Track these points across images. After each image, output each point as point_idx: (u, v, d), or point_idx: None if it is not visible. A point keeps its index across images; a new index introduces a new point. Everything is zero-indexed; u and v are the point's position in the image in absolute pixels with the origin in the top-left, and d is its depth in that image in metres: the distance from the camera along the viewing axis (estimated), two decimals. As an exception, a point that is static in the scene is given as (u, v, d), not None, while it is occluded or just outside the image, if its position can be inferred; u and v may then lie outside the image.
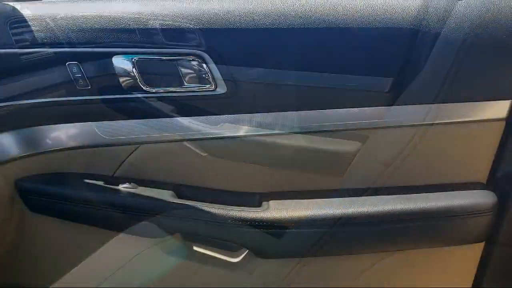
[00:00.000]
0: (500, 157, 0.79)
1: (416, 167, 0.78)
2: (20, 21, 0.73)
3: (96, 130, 0.75)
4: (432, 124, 0.76)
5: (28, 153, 0.73)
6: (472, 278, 0.80)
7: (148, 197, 0.73)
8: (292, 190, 0.77)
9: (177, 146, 0.77)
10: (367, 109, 0.74)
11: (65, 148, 0.75)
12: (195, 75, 0.75)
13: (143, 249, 0.75)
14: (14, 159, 0.72)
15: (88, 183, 0.74)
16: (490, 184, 0.79)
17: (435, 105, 0.75)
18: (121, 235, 0.74)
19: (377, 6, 0.72)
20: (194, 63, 0.74)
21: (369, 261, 0.76)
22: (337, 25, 0.71)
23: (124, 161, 0.78)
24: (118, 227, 0.73)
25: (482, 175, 0.80)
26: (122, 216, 0.72)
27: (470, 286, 0.80)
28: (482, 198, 0.75)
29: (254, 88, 0.74)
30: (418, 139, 0.76)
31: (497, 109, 0.77)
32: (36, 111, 0.72)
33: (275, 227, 0.72)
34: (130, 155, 0.78)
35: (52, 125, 0.74)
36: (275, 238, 0.73)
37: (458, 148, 0.78)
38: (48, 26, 0.74)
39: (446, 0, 0.73)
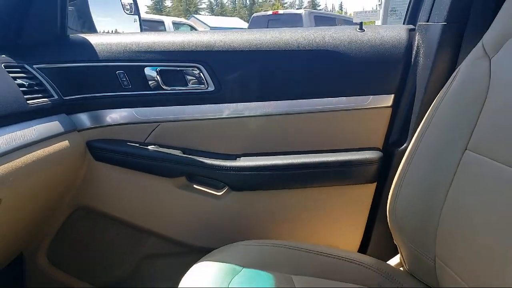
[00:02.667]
0: (389, 131, 1.21)
1: (336, 137, 1.20)
2: (89, 46, 1.18)
3: (134, 113, 1.19)
4: (346, 110, 1.18)
5: (95, 126, 1.17)
6: (368, 210, 1.22)
7: (165, 153, 1.16)
8: (255, 152, 1.20)
9: (183, 124, 1.20)
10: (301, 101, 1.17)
11: (116, 124, 1.18)
12: (195, 79, 1.18)
13: (164, 185, 1.19)
14: (87, 129, 1.16)
15: (130, 144, 1.18)
16: (384, 148, 1.21)
17: (345, 98, 1.17)
18: (151, 176, 1.18)
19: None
20: (195, 71, 1.17)
21: (299, 193, 1.19)
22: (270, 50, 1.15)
23: (150, 133, 1.21)
24: (149, 171, 1.17)
25: (379, 143, 1.22)
26: (151, 163, 1.16)
27: (367, 215, 1.22)
28: (372, 154, 1.17)
29: (231, 87, 1.17)
30: (337, 119, 1.19)
31: (385, 100, 1.19)
32: (100, 101, 1.17)
33: (244, 170, 1.15)
34: (154, 129, 1.21)
35: (108, 109, 1.18)
36: (244, 178, 1.16)
37: (363, 126, 1.20)
38: (105, 49, 1.18)
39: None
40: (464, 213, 0.79)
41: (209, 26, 19.10)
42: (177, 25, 9.80)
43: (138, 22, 1.92)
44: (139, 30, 1.85)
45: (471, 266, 0.75)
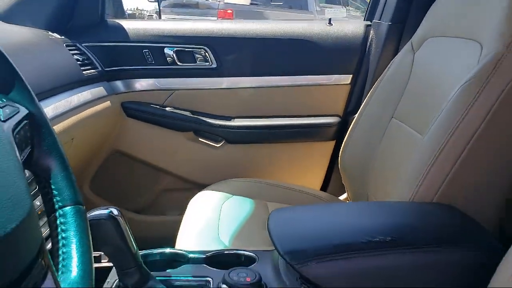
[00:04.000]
0: (347, 103, 1.58)
1: (307, 106, 1.57)
2: (122, 29, 1.53)
3: (156, 83, 1.56)
4: (315, 85, 1.55)
5: (127, 91, 1.54)
6: (328, 160, 1.61)
7: (177, 113, 1.54)
8: (245, 115, 1.58)
9: (191, 92, 1.56)
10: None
11: (142, 90, 1.55)
12: (201, 57, 1.54)
13: (177, 137, 1.57)
14: (121, 93, 1.54)
15: (152, 106, 1.55)
16: (343, 115, 1.58)
17: (314, 76, 1.54)
18: (167, 130, 1.56)
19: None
20: (202, 52, 1.53)
21: (277, 146, 1.58)
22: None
23: (167, 98, 1.57)
24: (165, 126, 1.55)
25: (339, 111, 1.59)
26: (167, 120, 1.54)
27: (327, 164, 1.61)
28: (333, 119, 1.55)
29: (228, 65, 1.53)
30: (308, 92, 1.55)
31: (345, 79, 1.55)
32: (131, 72, 1.53)
33: (237, 128, 1.54)
34: (170, 95, 1.57)
35: (137, 79, 1.55)
36: (237, 134, 1.54)
37: (328, 98, 1.57)
38: (134, 33, 1.53)
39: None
40: (385, 162, 1.17)
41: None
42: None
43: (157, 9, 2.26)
44: (158, 15, 2.19)
45: (384, 194, 1.14)
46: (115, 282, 0.75)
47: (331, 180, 1.62)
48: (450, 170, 0.86)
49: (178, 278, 0.78)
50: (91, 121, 1.33)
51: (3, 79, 0.49)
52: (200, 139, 1.58)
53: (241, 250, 0.87)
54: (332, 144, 1.58)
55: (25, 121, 0.47)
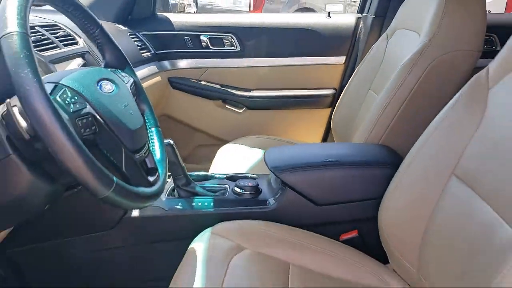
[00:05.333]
0: (342, 78, 1.98)
1: (310, 81, 1.98)
2: (168, 21, 1.98)
3: (194, 62, 2.01)
4: (316, 64, 1.96)
5: (172, 69, 2.00)
6: (326, 123, 2.03)
7: (210, 86, 1.99)
8: (261, 88, 2.01)
9: (220, 70, 2.00)
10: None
11: (183, 68, 2.00)
12: (229, 43, 1.97)
13: (209, 104, 2.02)
14: (168, 70, 1.99)
15: (191, 80, 2.01)
16: (338, 88, 1.99)
17: (316, 57, 1.95)
18: (202, 98, 2.01)
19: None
20: (229, 39, 1.97)
21: (285, 112, 2.01)
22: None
23: (202, 74, 2.02)
24: (201, 95, 2.00)
25: (336, 85, 2.00)
26: (202, 91, 1.99)
27: (325, 125, 2.02)
28: (330, 91, 1.96)
29: (249, 49, 1.96)
30: (311, 70, 1.97)
31: (340, 59, 1.95)
32: (175, 54, 1.98)
33: (255, 98, 1.98)
34: (204, 72, 2.02)
35: (179, 59, 2.00)
36: (255, 102, 1.99)
37: (326, 74, 1.98)
38: (177, 24, 1.98)
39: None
40: (360, 121, 1.58)
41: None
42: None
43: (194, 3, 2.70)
44: (195, 10, 2.63)
45: (352, 140, 1.55)
46: (171, 185, 1.22)
47: (327, 139, 2.05)
48: (390, 122, 1.28)
49: (207, 185, 1.25)
50: (147, 91, 1.80)
51: (119, 60, 0.95)
52: (226, 106, 2.04)
53: (248, 174, 1.33)
54: (329, 110, 2.00)
55: (132, 84, 0.93)
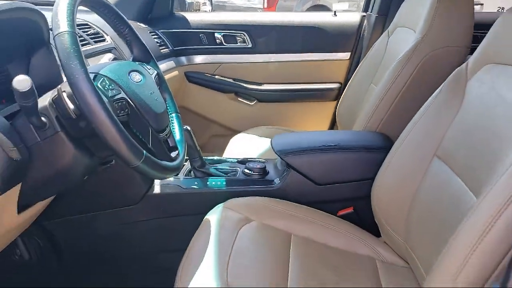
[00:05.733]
0: (347, 73, 2.10)
1: (317, 75, 2.11)
2: (184, 19, 2.12)
3: (208, 58, 2.15)
4: (323, 60, 2.08)
5: (188, 64, 2.14)
6: (332, 114, 2.15)
7: (224, 80, 2.13)
8: (271, 82, 2.14)
9: (234, 65, 2.14)
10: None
11: (198, 63, 2.14)
12: (241, 40, 2.11)
13: (223, 96, 2.16)
14: (185, 65, 2.14)
15: (205, 74, 2.15)
16: (344, 82, 2.11)
17: (323, 53, 2.07)
18: (216, 91, 2.15)
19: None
20: (242, 36, 2.10)
21: (294, 104, 2.14)
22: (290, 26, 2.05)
23: (216, 69, 2.16)
24: (215, 88, 2.14)
25: (341, 79, 2.12)
26: (216, 85, 2.13)
27: (331, 117, 2.15)
28: (336, 85, 2.08)
29: (260, 46, 2.09)
30: (318, 65, 2.09)
31: (346, 55, 2.07)
32: (191, 50, 2.13)
33: (265, 91, 2.11)
34: (218, 67, 2.16)
35: (195, 55, 2.14)
36: (265, 95, 2.12)
37: (333, 69, 2.10)
38: (193, 22, 2.12)
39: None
40: (361, 110, 1.71)
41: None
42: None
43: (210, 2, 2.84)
44: (210, 8, 2.77)
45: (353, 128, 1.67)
46: (188, 167, 1.37)
47: (334, 126, 2.18)
48: (386, 112, 1.40)
49: (220, 167, 1.39)
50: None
51: (145, 55, 1.09)
52: (239, 99, 2.17)
53: (257, 158, 1.47)
54: (334, 103, 2.12)
55: (156, 76, 1.07)
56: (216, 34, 2.11)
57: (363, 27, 2.04)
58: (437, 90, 1.10)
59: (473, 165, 0.88)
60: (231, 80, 2.15)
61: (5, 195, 0.82)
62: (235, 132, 2.07)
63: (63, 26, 0.77)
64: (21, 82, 0.73)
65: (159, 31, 2.06)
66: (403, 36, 1.59)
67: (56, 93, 0.82)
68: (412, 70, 1.37)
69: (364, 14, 2.07)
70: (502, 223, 0.69)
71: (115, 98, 0.84)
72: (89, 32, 1.39)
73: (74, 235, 1.31)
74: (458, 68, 1.08)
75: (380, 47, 1.75)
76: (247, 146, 1.79)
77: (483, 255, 0.69)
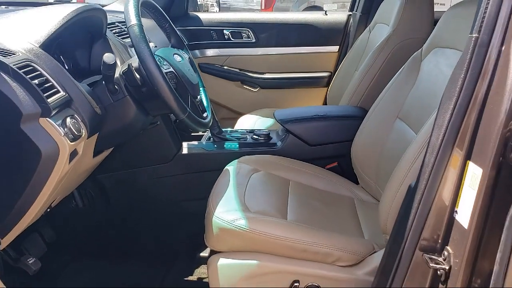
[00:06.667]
0: (335, 62, 2.44)
1: (310, 65, 2.45)
2: (198, 19, 2.46)
3: (218, 51, 2.48)
4: (315, 52, 2.42)
5: (201, 56, 2.47)
6: (322, 101, 2.49)
7: (231, 70, 2.46)
8: (271, 71, 2.48)
9: (239, 57, 2.47)
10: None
11: (210, 56, 2.48)
12: (246, 35, 2.45)
13: (230, 84, 2.50)
14: (198, 57, 2.47)
15: (215, 65, 2.48)
16: (333, 71, 2.45)
17: (314, 46, 2.41)
18: (224, 79, 2.49)
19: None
20: (246, 32, 2.44)
21: (290, 91, 2.48)
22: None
23: (225, 61, 2.50)
24: (223, 77, 2.48)
25: (331, 69, 2.45)
26: (224, 74, 2.46)
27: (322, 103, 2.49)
28: (326, 74, 2.43)
29: (262, 40, 2.43)
30: (311, 57, 2.43)
31: (333, 48, 2.42)
32: (203, 44, 2.46)
33: (267, 79, 2.45)
34: (226, 59, 2.49)
35: (207, 49, 2.48)
36: (266, 83, 2.46)
37: (324, 60, 2.44)
38: (205, 21, 2.45)
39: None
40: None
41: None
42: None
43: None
44: (218, 9, 3.11)
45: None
46: (209, 134, 1.71)
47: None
48: (365, 90, 1.74)
49: (234, 135, 1.73)
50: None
51: (180, 43, 1.43)
52: (244, 86, 2.51)
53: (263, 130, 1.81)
54: (325, 89, 2.47)
55: (189, 59, 1.41)
56: (224, 31, 2.45)
57: (349, 24, 2.38)
58: (400, 70, 1.45)
59: (422, 120, 1.22)
60: (237, 70, 2.48)
61: (88, 140, 1.15)
62: (242, 114, 2.41)
63: (133, 20, 1.11)
64: (109, 57, 1.07)
65: (176, 28, 2.38)
66: (381, 31, 1.93)
67: (126, 67, 1.16)
68: (385, 57, 1.71)
69: (350, 13, 2.41)
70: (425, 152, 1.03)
71: (167, 71, 1.17)
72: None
73: (120, 187, 1.65)
74: (416, 52, 1.42)
75: (363, 40, 2.09)
76: (252, 124, 2.12)
77: (414, 173, 0.95)
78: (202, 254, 1.55)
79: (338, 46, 2.42)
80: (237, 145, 1.65)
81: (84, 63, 1.40)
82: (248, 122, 2.14)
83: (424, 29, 1.69)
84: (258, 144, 1.65)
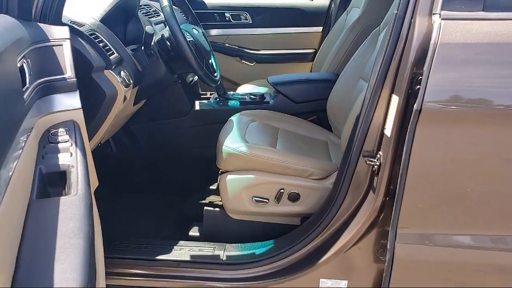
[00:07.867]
0: (319, 41, 2.83)
1: (296, 43, 2.84)
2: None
3: (220, 31, 2.87)
4: (301, 32, 2.82)
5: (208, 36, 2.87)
6: (309, 70, 2.89)
7: (232, 46, 2.85)
8: (262, 48, 2.88)
9: (238, 36, 2.86)
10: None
11: (215, 35, 2.87)
12: (244, 18, 2.83)
13: (230, 59, 2.90)
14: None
15: (219, 43, 2.87)
16: (318, 48, 2.84)
17: (300, 27, 2.80)
18: (225, 55, 2.88)
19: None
20: (244, 15, 2.83)
21: (276, 65, 2.88)
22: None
23: (226, 39, 2.89)
24: (225, 53, 2.87)
25: (316, 46, 2.85)
26: (226, 50, 2.86)
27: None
28: (310, 50, 2.82)
29: (257, 21, 2.82)
30: (297, 36, 2.82)
31: (318, 29, 2.81)
32: (209, 25, 2.85)
33: (260, 55, 2.85)
34: (228, 38, 2.88)
35: (211, 29, 2.86)
36: (260, 58, 2.85)
37: (310, 39, 2.84)
38: (212, 5, 2.84)
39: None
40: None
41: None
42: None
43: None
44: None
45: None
46: (215, 95, 2.12)
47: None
48: (340, 60, 2.15)
49: (235, 95, 2.14)
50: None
51: (195, 20, 1.83)
52: (242, 61, 2.91)
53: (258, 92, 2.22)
54: (311, 63, 2.87)
55: (202, 32, 1.81)
56: (226, 14, 2.84)
57: (331, 8, 2.77)
58: (363, 43, 1.85)
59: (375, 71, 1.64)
60: (237, 47, 2.88)
61: (132, 90, 1.55)
62: (239, 85, 2.81)
63: (165, 2, 1.51)
64: (150, 29, 1.48)
65: (185, 11, 2.78)
66: (355, 13, 2.33)
67: (159, 36, 1.56)
68: (355, 34, 2.12)
69: (332, -1, 2.82)
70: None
71: (189, 40, 1.57)
72: (150, 10, 2.12)
73: (149, 136, 2.05)
74: (375, 29, 1.83)
75: (341, 22, 2.49)
76: (249, 91, 2.53)
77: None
78: (211, 187, 1.97)
79: (321, 27, 2.82)
80: (238, 103, 2.06)
81: (121, 35, 1.79)
82: (246, 90, 2.54)
83: (386, 11, 2.08)
84: (255, 102, 2.07)
